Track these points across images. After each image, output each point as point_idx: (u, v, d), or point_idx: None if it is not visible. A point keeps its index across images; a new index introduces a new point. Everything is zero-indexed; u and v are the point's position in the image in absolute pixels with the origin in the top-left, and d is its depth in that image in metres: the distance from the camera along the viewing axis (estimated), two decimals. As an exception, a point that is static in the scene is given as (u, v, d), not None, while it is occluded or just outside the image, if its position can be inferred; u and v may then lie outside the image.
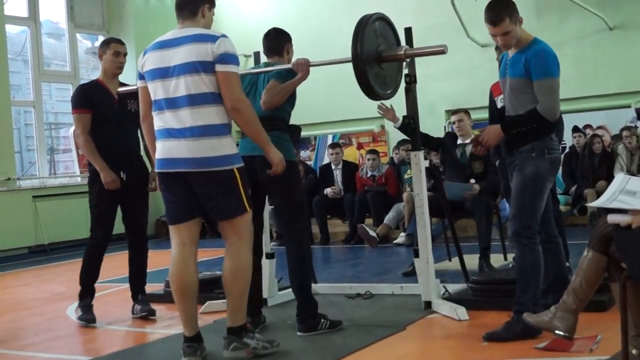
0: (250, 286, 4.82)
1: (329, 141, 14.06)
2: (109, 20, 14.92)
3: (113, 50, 6.33)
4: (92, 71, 15.32)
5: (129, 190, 6.25)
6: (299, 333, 5.27)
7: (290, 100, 5.44)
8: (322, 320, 5.33)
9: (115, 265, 6.87)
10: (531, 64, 4.72)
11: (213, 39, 4.58)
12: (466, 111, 8.23)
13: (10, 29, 13.60)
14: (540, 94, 4.71)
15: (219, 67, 4.56)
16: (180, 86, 4.57)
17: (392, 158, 12.56)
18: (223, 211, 4.66)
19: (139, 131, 6.18)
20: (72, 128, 13.54)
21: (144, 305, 6.35)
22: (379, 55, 5.33)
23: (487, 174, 7.99)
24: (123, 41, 6.56)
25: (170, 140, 4.63)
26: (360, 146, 14.40)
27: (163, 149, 4.67)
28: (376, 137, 14.32)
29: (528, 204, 4.80)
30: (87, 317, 6.13)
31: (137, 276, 6.45)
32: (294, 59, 5.50)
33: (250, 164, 5.10)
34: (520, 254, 4.84)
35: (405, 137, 8.19)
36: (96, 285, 6.31)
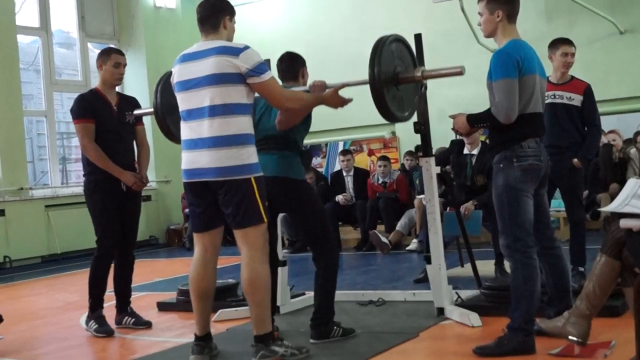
0: None
1: (340, 148, 14.09)
2: (119, 30, 14.97)
3: (114, 61, 6.28)
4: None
5: (127, 201, 6.26)
6: (311, 340, 5.27)
7: (306, 122, 5.47)
8: (335, 327, 5.34)
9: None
10: (491, 65, 4.65)
11: (236, 51, 4.68)
12: None
13: (22, 39, 13.66)
14: (496, 94, 4.62)
15: (254, 80, 4.70)
16: (203, 97, 4.69)
17: (403, 164, 12.55)
18: (237, 220, 4.73)
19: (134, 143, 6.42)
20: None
21: (138, 318, 6.37)
22: (396, 77, 5.29)
23: (489, 187, 7.92)
24: (123, 52, 6.54)
25: (193, 151, 4.76)
26: (371, 153, 14.40)
27: (187, 160, 4.82)
28: (387, 144, 14.31)
29: (508, 217, 4.67)
30: (105, 330, 6.11)
31: (127, 287, 6.45)
32: (309, 81, 5.52)
33: None
34: (513, 268, 4.71)
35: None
36: (109, 294, 6.32)
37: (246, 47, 4.72)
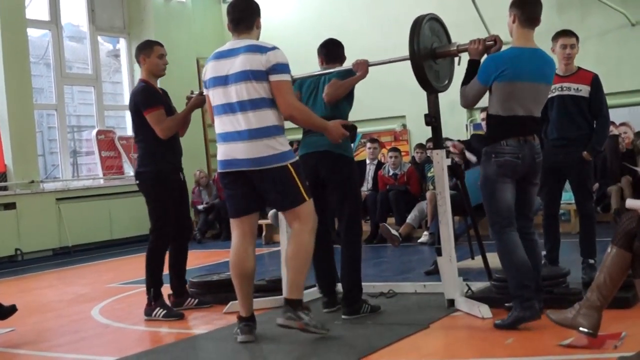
0: (325, 269, 5.90)
1: (351, 140, 14.06)
2: (129, 23, 14.99)
3: (158, 53, 6.41)
4: (113, 74, 15.39)
5: (184, 190, 6.63)
6: (343, 316, 5.65)
7: (349, 99, 5.97)
8: (365, 304, 5.75)
9: (135, 267, 6.86)
10: None
11: (264, 50, 5.03)
12: None
13: (32, 32, 13.69)
14: (469, 85, 5.21)
15: (272, 77, 5.00)
16: (236, 93, 5.03)
17: (413, 157, 12.53)
18: (283, 204, 5.20)
19: None
20: (95, 130, 13.72)
21: (200, 299, 6.64)
22: (433, 52, 5.67)
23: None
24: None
25: (229, 143, 5.11)
26: (382, 145, 14.39)
27: (224, 151, 5.18)
28: (398, 136, 14.31)
29: (487, 206, 5.18)
30: (174, 314, 6.25)
31: (184, 271, 6.68)
32: (347, 63, 5.96)
33: (311, 161, 5.72)
34: (496, 246, 5.15)
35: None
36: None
37: (274, 47, 5.02)
